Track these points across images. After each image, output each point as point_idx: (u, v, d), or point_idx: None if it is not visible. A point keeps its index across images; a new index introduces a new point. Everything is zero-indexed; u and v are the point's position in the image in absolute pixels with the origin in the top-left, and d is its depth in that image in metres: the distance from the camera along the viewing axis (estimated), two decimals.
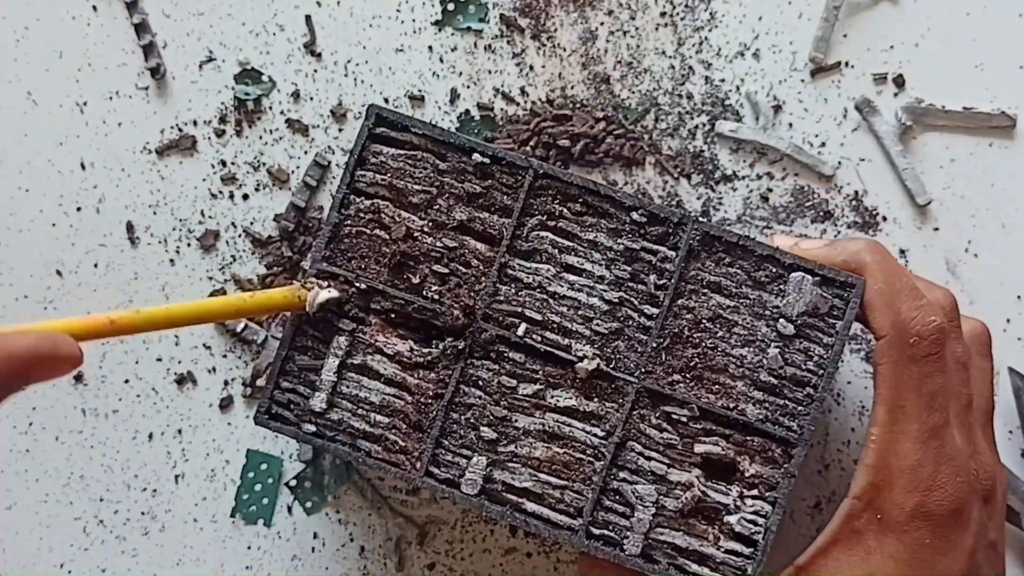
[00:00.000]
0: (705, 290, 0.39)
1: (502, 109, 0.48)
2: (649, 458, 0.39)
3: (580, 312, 0.39)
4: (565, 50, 0.48)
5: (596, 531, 0.38)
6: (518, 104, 0.48)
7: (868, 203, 0.47)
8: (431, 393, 0.40)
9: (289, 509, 0.48)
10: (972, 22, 0.47)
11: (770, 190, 0.47)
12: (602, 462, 0.39)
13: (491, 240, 0.40)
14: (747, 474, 0.39)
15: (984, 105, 0.47)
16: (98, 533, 0.48)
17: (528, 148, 0.47)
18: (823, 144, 0.47)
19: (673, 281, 0.39)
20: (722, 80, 0.47)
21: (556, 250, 0.40)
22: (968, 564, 0.38)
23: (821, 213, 0.47)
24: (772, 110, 0.47)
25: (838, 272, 0.39)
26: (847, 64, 0.47)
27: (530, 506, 0.39)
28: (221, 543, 0.48)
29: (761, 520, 0.38)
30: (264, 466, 0.48)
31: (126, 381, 0.49)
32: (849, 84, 0.47)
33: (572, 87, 0.48)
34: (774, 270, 0.39)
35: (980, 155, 0.47)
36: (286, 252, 0.48)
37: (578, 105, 0.47)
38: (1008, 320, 0.46)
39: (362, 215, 0.40)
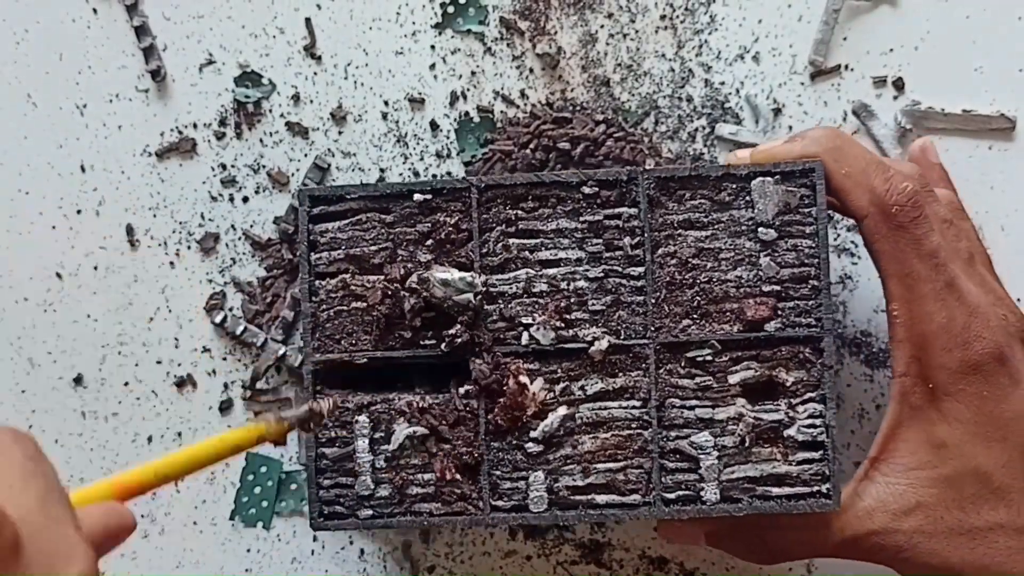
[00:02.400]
0: (679, 231, 0.40)
1: (502, 112, 0.48)
2: (692, 407, 0.39)
3: (572, 300, 0.40)
4: (565, 53, 0.48)
5: (671, 495, 0.39)
6: (518, 107, 0.48)
7: None
8: (466, 431, 0.40)
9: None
10: (971, 25, 0.47)
11: None
12: (650, 429, 0.39)
13: (463, 268, 0.40)
14: (788, 384, 0.39)
15: (983, 108, 0.47)
16: None
17: (528, 151, 0.47)
18: None
19: (647, 235, 0.39)
20: (722, 83, 0.47)
21: (527, 252, 0.40)
22: None
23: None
24: (772, 113, 0.47)
25: (793, 163, 0.39)
26: (847, 67, 0.47)
27: (600, 498, 0.39)
28: (220, 546, 0.48)
29: (819, 421, 0.39)
30: (263, 468, 0.48)
31: (126, 384, 0.49)
32: (849, 87, 0.47)
33: (572, 90, 0.48)
34: (735, 186, 0.40)
35: (979, 158, 0.47)
36: (286, 255, 0.48)
37: (578, 108, 0.47)
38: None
39: (333, 296, 0.41)
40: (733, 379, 0.39)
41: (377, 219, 0.41)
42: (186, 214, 0.48)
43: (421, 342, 0.40)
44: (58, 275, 0.49)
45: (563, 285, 0.40)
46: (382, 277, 0.40)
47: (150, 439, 0.48)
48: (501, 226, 0.40)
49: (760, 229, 0.39)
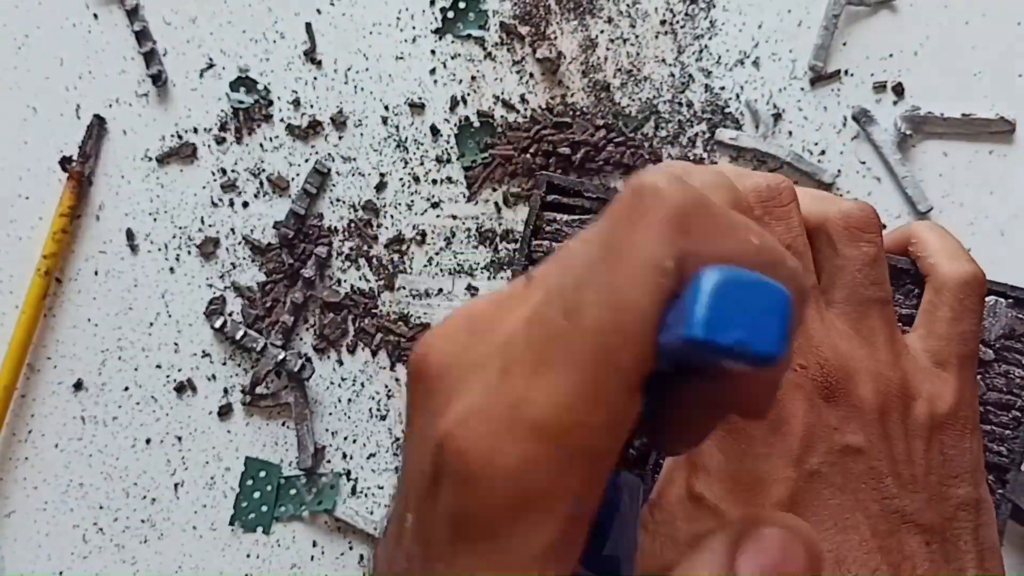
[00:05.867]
0: (899, 325, 0.38)
1: (502, 116, 0.48)
2: None
3: None
4: (565, 58, 0.48)
5: None
6: (518, 111, 0.48)
7: None
8: None
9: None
10: (971, 30, 0.47)
11: None
12: None
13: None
14: None
15: (983, 112, 0.47)
16: (97, 541, 0.48)
17: (528, 155, 0.47)
18: (823, 152, 0.47)
19: None
20: (722, 88, 0.47)
21: None
22: (796, 471, 0.31)
23: None
24: (772, 118, 0.47)
25: None
26: (847, 72, 0.47)
27: None
28: (220, 551, 0.48)
29: None
30: (263, 473, 0.48)
31: (125, 389, 0.48)
32: (849, 92, 0.47)
33: (572, 95, 0.48)
34: None
35: (979, 162, 0.47)
36: (286, 259, 0.48)
37: (578, 113, 0.47)
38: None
39: None
40: None
41: None
42: (186, 219, 0.48)
43: None
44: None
45: None
46: None
47: (148, 441, 0.48)
48: None
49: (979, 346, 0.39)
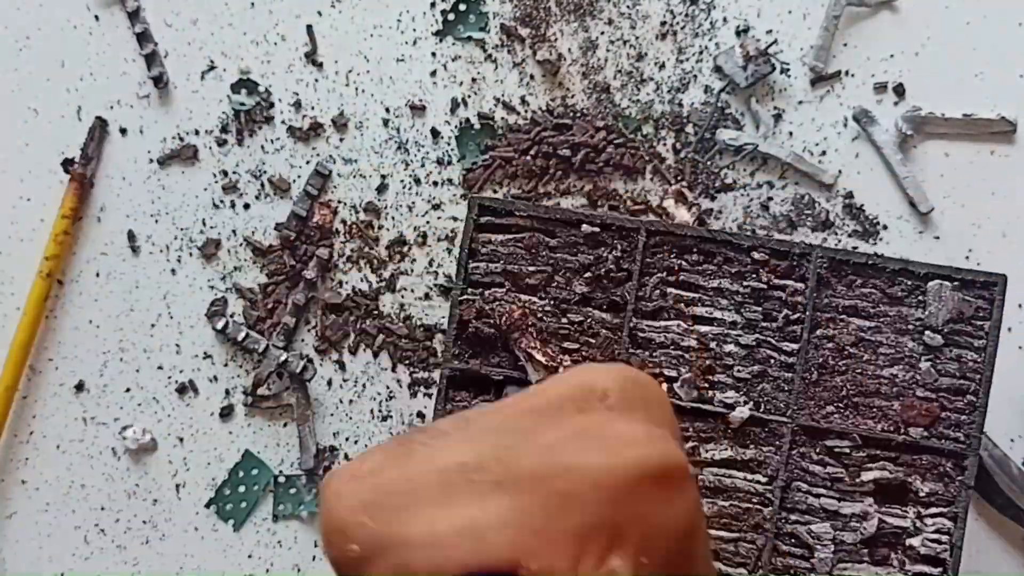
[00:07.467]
0: (842, 316, 0.39)
1: (503, 118, 0.48)
2: (818, 495, 0.39)
3: (719, 362, 0.39)
4: (566, 59, 0.48)
5: None
6: (519, 113, 0.48)
7: (869, 212, 0.47)
8: None
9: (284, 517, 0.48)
10: (972, 31, 0.47)
11: (770, 199, 0.47)
12: (770, 508, 0.38)
13: (616, 307, 0.40)
14: (921, 494, 0.38)
15: (984, 112, 0.47)
16: (99, 542, 0.48)
17: (528, 157, 0.47)
18: (824, 152, 0.47)
19: (808, 313, 0.38)
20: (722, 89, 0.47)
21: (682, 304, 0.39)
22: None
23: (821, 222, 0.47)
24: (772, 119, 0.47)
25: (976, 273, 0.38)
26: (847, 73, 0.47)
27: None
28: (222, 552, 0.48)
29: (944, 538, 0.38)
30: (255, 471, 0.48)
31: (127, 390, 0.49)
32: (850, 93, 0.47)
33: (572, 96, 0.48)
34: (910, 283, 0.39)
35: (980, 163, 0.47)
36: (288, 261, 0.48)
37: (578, 114, 0.47)
38: (1009, 329, 0.46)
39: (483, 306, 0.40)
40: (866, 476, 0.38)
41: (541, 240, 0.40)
42: (187, 220, 0.49)
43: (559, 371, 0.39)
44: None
45: (712, 345, 0.39)
46: (532, 297, 0.40)
47: (153, 443, 0.48)
48: (662, 273, 0.39)
49: (927, 332, 0.38)
